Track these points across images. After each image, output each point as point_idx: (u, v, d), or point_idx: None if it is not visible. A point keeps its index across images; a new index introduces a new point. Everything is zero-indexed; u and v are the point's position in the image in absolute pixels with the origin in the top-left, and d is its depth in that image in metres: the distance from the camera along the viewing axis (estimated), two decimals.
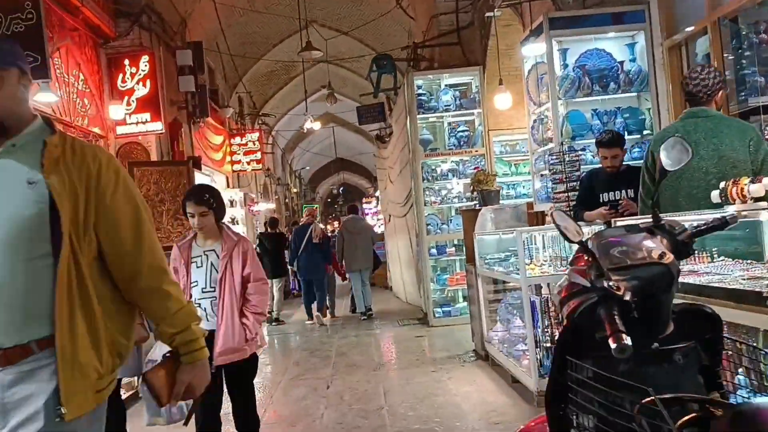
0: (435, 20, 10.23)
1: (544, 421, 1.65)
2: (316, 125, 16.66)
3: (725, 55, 4.94)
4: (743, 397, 1.44)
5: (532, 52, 6.30)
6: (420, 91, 9.61)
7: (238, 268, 3.62)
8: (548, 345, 4.87)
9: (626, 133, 5.93)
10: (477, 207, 7.37)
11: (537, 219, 6.77)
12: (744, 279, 2.54)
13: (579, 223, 5.08)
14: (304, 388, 6.26)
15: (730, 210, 2.66)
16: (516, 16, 8.27)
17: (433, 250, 9.64)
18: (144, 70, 9.44)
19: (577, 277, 1.52)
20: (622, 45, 6.14)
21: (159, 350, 2.93)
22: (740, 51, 4.82)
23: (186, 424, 2.74)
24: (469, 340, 7.62)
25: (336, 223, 23.73)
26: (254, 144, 15.49)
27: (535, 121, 6.65)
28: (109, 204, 1.89)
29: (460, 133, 9.61)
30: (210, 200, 3.65)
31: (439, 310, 9.55)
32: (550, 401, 1.56)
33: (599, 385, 1.36)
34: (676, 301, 1.47)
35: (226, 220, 12.08)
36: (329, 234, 13.39)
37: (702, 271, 2.87)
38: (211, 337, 3.49)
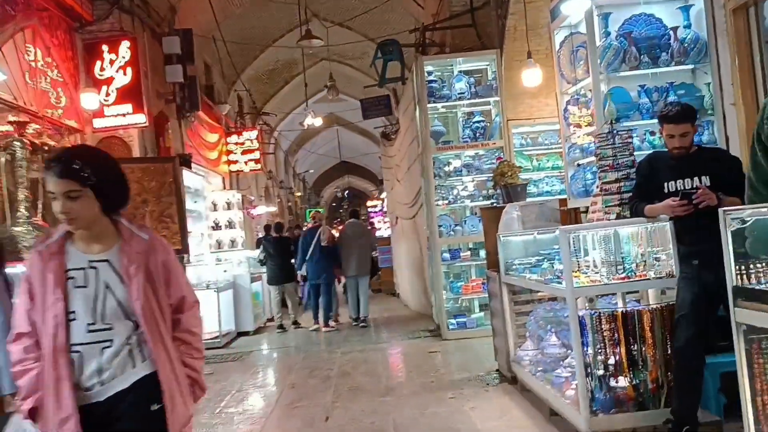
0: (446, 0, 9.28)
1: None
2: (318, 121, 15.70)
3: None
4: None
5: (570, 10, 5.30)
6: (430, 78, 8.65)
7: (161, 290, 2.33)
8: (601, 372, 3.89)
9: None
10: (499, 204, 6.39)
11: (571, 217, 5.79)
12: None
13: (639, 219, 4.13)
14: (298, 420, 5.28)
15: None
16: None
17: (446, 255, 8.66)
18: (124, 57, 8.52)
19: None
20: (674, 8, 5.15)
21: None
22: None
23: None
24: (490, 357, 6.65)
25: (341, 228, 22.94)
26: (252, 143, 14.57)
27: (568, 102, 5.67)
28: None
29: (476, 124, 8.64)
30: (84, 171, 2.19)
31: (453, 321, 8.56)
32: None
33: None
34: None
35: (222, 224, 11.13)
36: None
37: None
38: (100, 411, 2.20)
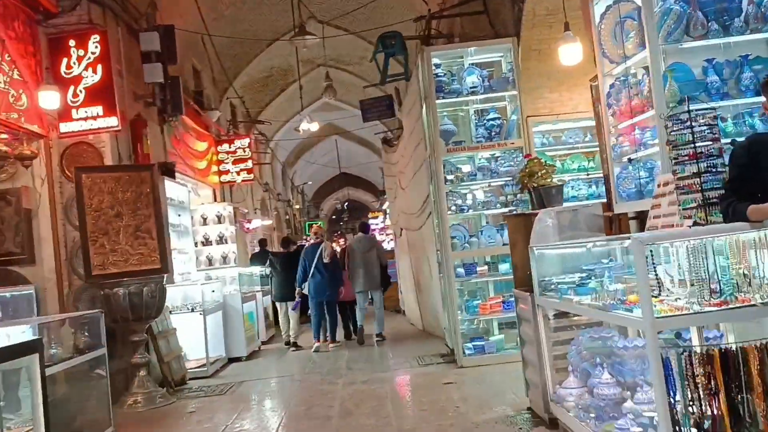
0: None
1: None
2: (314, 126, 14.75)
3: None
4: None
5: None
6: (438, 72, 7.68)
7: None
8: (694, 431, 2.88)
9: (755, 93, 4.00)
10: (529, 211, 5.39)
11: (617, 225, 4.81)
12: None
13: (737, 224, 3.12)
14: None
15: None
16: None
17: (460, 270, 7.65)
18: (94, 53, 7.58)
19: None
20: None
21: None
22: None
23: None
24: (517, 390, 5.69)
25: (342, 241, 21.89)
26: (245, 151, 13.60)
27: (612, 85, 4.70)
28: None
29: (490, 122, 7.66)
30: None
31: (469, 345, 7.54)
32: None
33: None
34: None
35: (212, 239, 10.12)
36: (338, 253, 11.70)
37: None
38: None
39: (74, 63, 7.53)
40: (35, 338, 4.16)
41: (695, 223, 3.32)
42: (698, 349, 2.88)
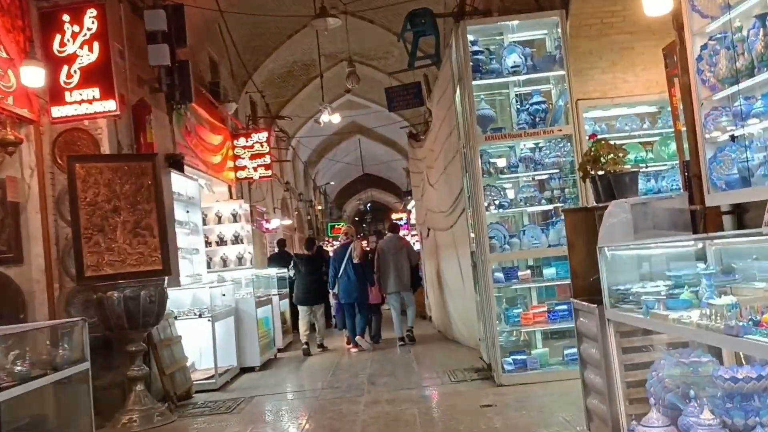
0: None
1: None
2: (335, 117, 13.90)
3: None
4: None
5: None
6: (476, 49, 6.77)
7: None
8: None
9: None
10: (599, 205, 4.44)
11: (707, 221, 3.85)
12: None
13: None
14: None
15: None
16: None
17: (498, 274, 6.72)
18: (90, 29, 6.82)
19: None
20: None
21: None
22: None
23: None
24: (567, 414, 4.77)
25: (364, 243, 21.13)
26: (262, 146, 12.78)
27: (705, 46, 3.74)
28: None
29: (534, 107, 6.73)
30: None
31: (509, 360, 6.61)
32: None
33: None
34: None
35: (227, 238, 9.49)
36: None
37: None
38: None
39: (68, 40, 6.77)
40: None
41: None
42: None
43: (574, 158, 6.56)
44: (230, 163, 12.51)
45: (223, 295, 8.76)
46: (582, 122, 6.67)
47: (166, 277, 6.76)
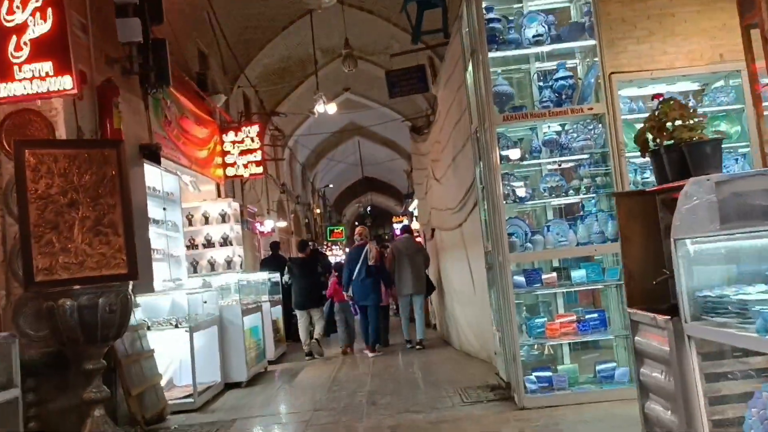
0: None
1: None
2: (331, 108, 12.97)
3: None
4: None
5: None
6: (491, 17, 5.83)
7: None
8: None
9: None
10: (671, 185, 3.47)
11: None
12: None
13: None
14: None
15: None
16: None
17: (518, 278, 5.75)
18: None
19: None
20: None
21: None
22: None
23: None
24: None
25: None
26: (253, 141, 11.82)
27: None
28: None
29: (560, 82, 5.78)
30: None
31: (531, 378, 5.64)
32: None
33: None
34: None
35: (215, 240, 8.51)
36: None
37: None
38: None
39: (17, 7, 5.80)
40: None
41: None
42: None
43: (608, 141, 5.62)
44: (218, 159, 11.57)
45: (205, 302, 7.80)
46: (617, 99, 5.71)
47: (131, 283, 5.80)
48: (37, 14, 5.81)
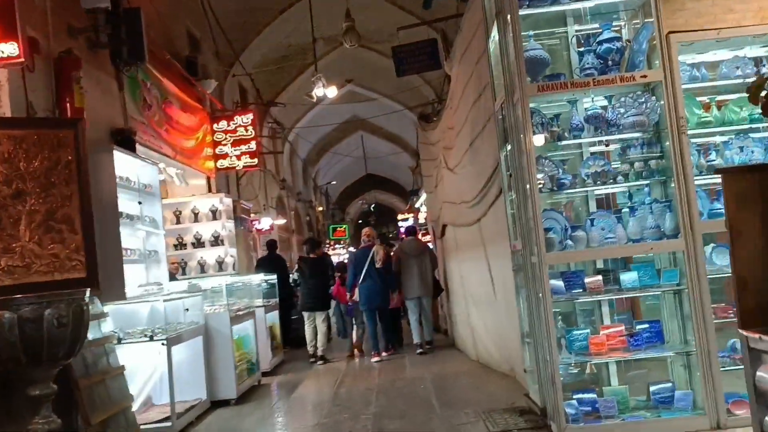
0: None
1: None
2: (330, 91, 12.00)
3: None
4: None
5: None
6: None
7: None
8: None
9: None
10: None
11: None
12: None
13: None
14: None
15: None
16: None
17: (555, 282, 4.75)
18: None
19: None
20: None
21: None
22: None
23: None
24: None
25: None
26: (246, 130, 10.84)
27: None
28: None
29: (606, 45, 4.77)
30: None
31: (573, 402, 4.64)
32: None
33: None
34: None
35: (205, 239, 7.60)
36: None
37: None
38: None
39: None
40: None
41: None
42: None
43: (664, 116, 4.62)
44: (208, 151, 10.59)
45: (186, 309, 6.82)
46: (676, 65, 4.69)
47: (90, 290, 4.81)
48: None
